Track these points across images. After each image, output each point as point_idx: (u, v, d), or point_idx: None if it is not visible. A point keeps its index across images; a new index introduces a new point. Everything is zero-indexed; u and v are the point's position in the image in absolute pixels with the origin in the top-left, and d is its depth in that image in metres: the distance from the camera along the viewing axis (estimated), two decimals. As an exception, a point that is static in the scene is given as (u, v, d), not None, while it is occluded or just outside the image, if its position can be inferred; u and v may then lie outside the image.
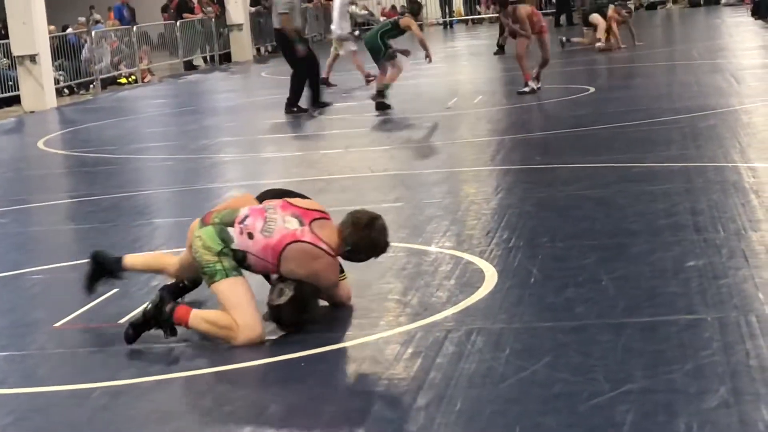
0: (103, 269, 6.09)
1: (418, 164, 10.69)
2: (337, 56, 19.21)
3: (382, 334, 5.34)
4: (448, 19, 39.03)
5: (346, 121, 14.42)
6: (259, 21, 30.52)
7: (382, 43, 14.68)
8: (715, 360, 4.61)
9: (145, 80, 24.72)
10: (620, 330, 5.11)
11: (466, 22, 39.78)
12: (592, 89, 15.17)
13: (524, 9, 15.38)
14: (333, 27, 19.33)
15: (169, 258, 6.08)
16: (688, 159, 9.27)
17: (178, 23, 26.71)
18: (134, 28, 25.47)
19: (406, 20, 14.82)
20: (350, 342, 5.33)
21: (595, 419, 4.13)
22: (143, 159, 12.74)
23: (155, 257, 6.32)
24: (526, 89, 15.01)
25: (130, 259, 6.14)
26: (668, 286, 5.77)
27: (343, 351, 5.24)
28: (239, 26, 28.71)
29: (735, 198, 7.70)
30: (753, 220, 7.00)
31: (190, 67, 27.25)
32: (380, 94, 14.57)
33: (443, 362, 4.87)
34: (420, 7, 16.34)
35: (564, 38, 22.84)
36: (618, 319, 5.26)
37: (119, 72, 24.47)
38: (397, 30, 14.79)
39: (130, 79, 24.55)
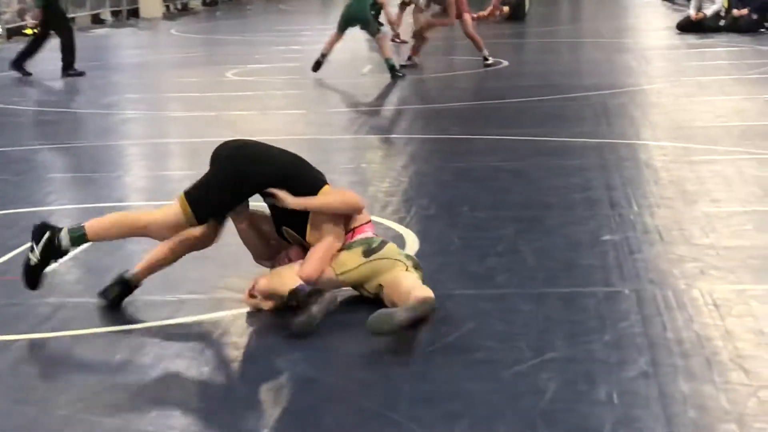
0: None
1: (335, 130, 10.70)
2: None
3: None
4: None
5: (262, 83, 14.34)
6: (169, -22, 30.19)
7: (372, 15, 14.63)
8: (634, 331, 4.73)
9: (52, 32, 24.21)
10: (540, 300, 5.21)
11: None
12: (505, 62, 15.30)
13: None
14: None
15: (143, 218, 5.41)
16: (601, 135, 9.43)
17: (86, -24, 26.28)
18: (42, -22, 24.91)
19: None
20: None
21: (518, 386, 4.21)
22: (49, 112, 12.54)
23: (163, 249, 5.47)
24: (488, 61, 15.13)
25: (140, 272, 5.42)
26: (585, 258, 5.88)
27: (242, 316, 5.25)
28: (149, -18, 28.36)
29: (647, 175, 7.88)
30: (665, 197, 7.16)
31: (97, 20, 26.83)
32: (393, 69, 14.24)
33: (364, 330, 4.91)
34: None
35: None
36: (538, 289, 5.36)
37: (24, 23, 23.96)
38: (377, 4, 14.72)
39: (35, 31, 24.04)
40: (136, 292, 5.36)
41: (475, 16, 20.08)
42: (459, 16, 15.18)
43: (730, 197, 7.09)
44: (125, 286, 5.32)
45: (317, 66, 14.49)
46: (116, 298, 5.30)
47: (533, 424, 3.87)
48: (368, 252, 5.13)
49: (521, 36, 20.21)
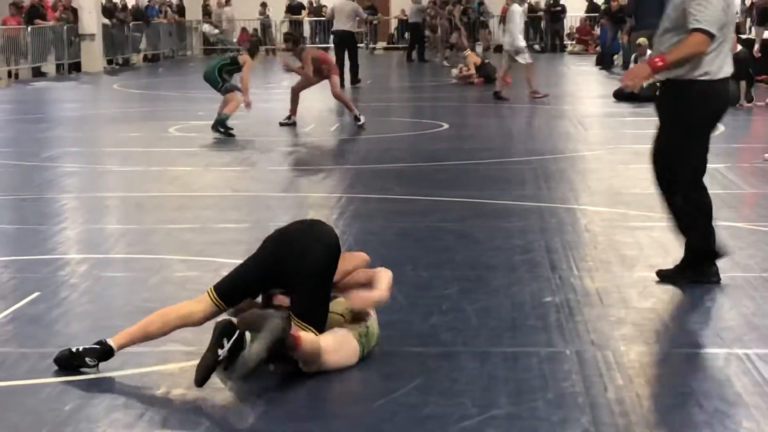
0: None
1: (278, 187, 10.79)
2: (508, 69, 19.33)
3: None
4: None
5: (205, 139, 14.38)
6: (111, 33, 30.21)
7: (219, 76, 14.71)
8: (575, 391, 4.85)
9: (-8, 84, 24.19)
10: (485, 358, 5.32)
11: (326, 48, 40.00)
12: (446, 125, 15.52)
13: (312, 51, 15.64)
14: (509, 39, 19.22)
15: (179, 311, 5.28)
16: (542, 199, 9.61)
17: (29, 28, 26.23)
18: (-17, 29, 24.91)
19: (244, 57, 14.92)
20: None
21: (463, 441, 4.31)
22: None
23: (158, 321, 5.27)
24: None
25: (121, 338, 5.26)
26: (528, 319, 6.01)
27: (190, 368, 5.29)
28: (91, 36, 28.35)
29: (587, 239, 8.06)
30: (604, 261, 7.33)
31: (38, 73, 26.78)
32: (221, 123, 14.46)
33: (316, 383, 4.99)
34: (257, 47, 16.56)
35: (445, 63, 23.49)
36: (482, 348, 5.47)
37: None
38: (236, 65, 14.84)
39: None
40: (81, 343, 5.36)
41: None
42: (327, 77, 15.35)
43: (667, 262, 7.24)
44: (107, 352, 5.17)
45: (223, 129, 14.59)
46: (96, 358, 5.15)
47: (479, 479, 3.96)
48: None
49: (461, 99, 20.49)
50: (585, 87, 23.25)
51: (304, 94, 15.68)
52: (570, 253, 7.57)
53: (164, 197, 10.11)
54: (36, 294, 6.57)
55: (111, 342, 5.16)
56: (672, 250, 7.54)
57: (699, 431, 4.39)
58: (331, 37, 23.53)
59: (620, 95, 18.99)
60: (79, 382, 5.04)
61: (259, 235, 8.15)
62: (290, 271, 5.12)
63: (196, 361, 5.18)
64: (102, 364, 5.21)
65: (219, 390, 4.90)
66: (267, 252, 5.28)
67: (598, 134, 14.93)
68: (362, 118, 15.18)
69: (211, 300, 5.18)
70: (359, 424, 4.50)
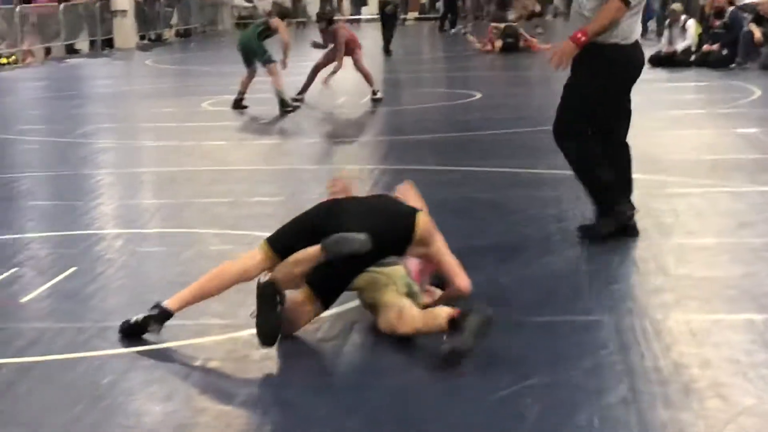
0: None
1: (311, 160, 10.77)
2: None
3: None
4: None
5: (236, 114, 14.40)
6: (143, 9, 30.24)
7: (259, 43, 14.46)
8: (613, 360, 4.81)
9: (26, 62, 24.29)
10: (520, 328, 5.29)
11: (351, 21, 39.93)
12: (478, 95, 15.44)
13: (343, 30, 15.30)
14: None
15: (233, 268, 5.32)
16: (577, 168, 9.52)
17: (61, 6, 26.30)
18: (17, 8, 24.99)
19: (275, 21, 14.71)
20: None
21: (500, 411, 4.28)
22: (27, 140, 12.56)
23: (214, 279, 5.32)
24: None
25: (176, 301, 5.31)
26: (563, 288, 5.98)
27: (226, 341, 5.30)
28: (123, 12, 28.41)
29: (623, 207, 7.97)
30: (641, 229, 7.25)
31: (72, 51, 26.87)
32: (284, 103, 14.20)
33: (349, 354, 4.99)
34: (287, 12, 16.35)
35: (464, 30, 23.33)
36: (518, 318, 5.44)
37: (-1, 52, 24.02)
38: (269, 30, 14.56)
39: (10, 60, 24.10)
40: (119, 317, 5.40)
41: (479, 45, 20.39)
42: (350, 53, 15.18)
43: (705, 229, 7.21)
44: (166, 316, 5.22)
45: (236, 104, 14.51)
46: (156, 324, 5.21)
47: (516, 449, 3.94)
48: (378, 264, 5.25)
49: (493, 69, 20.39)
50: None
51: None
52: (606, 221, 7.49)
53: (197, 172, 10.12)
54: (72, 269, 6.60)
55: (167, 305, 5.21)
56: (709, 217, 7.50)
57: (741, 399, 4.34)
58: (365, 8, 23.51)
59: (656, 61, 18.83)
60: (116, 356, 5.05)
61: (292, 208, 8.19)
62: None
63: (232, 334, 5.25)
64: (138, 339, 5.23)
65: (254, 362, 4.91)
66: (317, 213, 5.34)
67: (634, 100, 14.55)
68: (379, 93, 15.07)
69: (266, 254, 5.21)
70: (396, 395, 4.48)
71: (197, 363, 4.93)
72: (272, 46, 14.88)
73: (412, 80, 18.67)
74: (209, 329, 5.37)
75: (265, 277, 5.08)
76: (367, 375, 4.68)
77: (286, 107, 14.10)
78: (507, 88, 17.31)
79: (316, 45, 15.52)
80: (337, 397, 4.49)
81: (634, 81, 7.02)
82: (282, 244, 5.24)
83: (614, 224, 6.91)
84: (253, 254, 5.27)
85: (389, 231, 5.27)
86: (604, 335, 5.14)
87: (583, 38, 6.60)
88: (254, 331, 4.99)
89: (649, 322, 5.30)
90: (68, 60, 25.35)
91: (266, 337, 4.89)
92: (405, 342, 5.03)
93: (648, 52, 19.50)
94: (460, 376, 4.65)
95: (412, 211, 5.45)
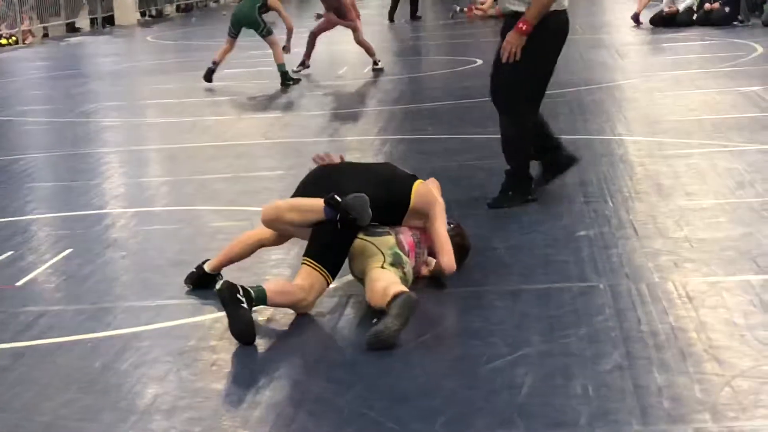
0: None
1: (311, 133, 10.73)
2: None
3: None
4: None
5: (238, 88, 14.37)
6: (143, -16, 30.15)
7: (260, 17, 14.40)
8: (609, 325, 4.78)
9: (27, 42, 24.24)
10: (516, 296, 5.26)
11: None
12: (479, 61, 15.35)
13: None
14: None
15: (257, 235, 5.61)
16: (576, 132, 9.48)
17: (60, -16, 26.21)
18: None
19: (273, 2, 14.66)
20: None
21: (495, 381, 4.25)
22: (26, 121, 12.54)
23: (240, 244, 5.67)
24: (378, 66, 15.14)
25: (214, 263, 5.65)
26: (560, 254, 5.94)
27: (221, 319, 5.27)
28: (123, -11, 28.33)
29: (622, 170, 7.95)
30: (640, 192, 7.22)
31: (72, 29, 26.80)
32: (286, 76, 14.20)
33: (342, 329, 4.97)
34: None
35: (457, 8, 23.16)
36: (514, 286, 5.41)
37: (-1, 33, 23.96)
38: (266, 5, 14.49)
39: (10, 40, 24.04)
40: (112, 299, 5.41)
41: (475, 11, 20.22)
42: (350, 22, 15.02)
43: (704, 190, 7.16)
44: (204, 276, 5.61)
45: (209, 75, 14.43)
46: (196, 284, 5.61)
47: (510, 419, 3.92)
48: (368, 232, 5.20)
49: (495, 35, 20.25)
50: (621, 15, 22.88)
51: (338, 37, 15.53)
52: (604, 184, 7.47)
53: (197, 148, 10.09)
54: (69, 250, 6.59)
55: (206, 266, 5.63)
56: (709, 178, 7.45)
57: (737, 362, 4.31)
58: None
59: (657, 21, 18.71)
60: (111, 338, 5.04)
61: (292, 182, 8.15)
62: None
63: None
64: (133, 319, 5.23)
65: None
66: (311, 176, 5.50)
67: (635, 63, 14.73)
68: (381, 63, 14.98)
69: None
70: (389, 370, 4.45)
71: (191, 343, 4.91)
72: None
73: (413, 48, 18.59)
74: (205, 308, 5.36)
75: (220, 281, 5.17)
76: (361, 350, 4.65)
77: (287, 80, 14.04)
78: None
79: (318, 16, 15.42)
80: (331, 374, 4.47)
81: (561, 48, 7.13)
82: None
83: (521, 199, 7.04)
84: None
85: (385, 195, 5.27)
86: (600, 301, 5.11)
87: (526, 28, 6.74)
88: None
89: (646, 287, 5.27)
90: (69, 39, 25.28)
91: (241, 336, 4.80)
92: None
93: (650, 12, 19.46)
94: (455, 348, 4.62)
95: (410, 179, 5.44)
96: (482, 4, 22.45)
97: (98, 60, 20.77)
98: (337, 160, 5.73)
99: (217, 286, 5.01)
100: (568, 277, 5.51)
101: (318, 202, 5.09)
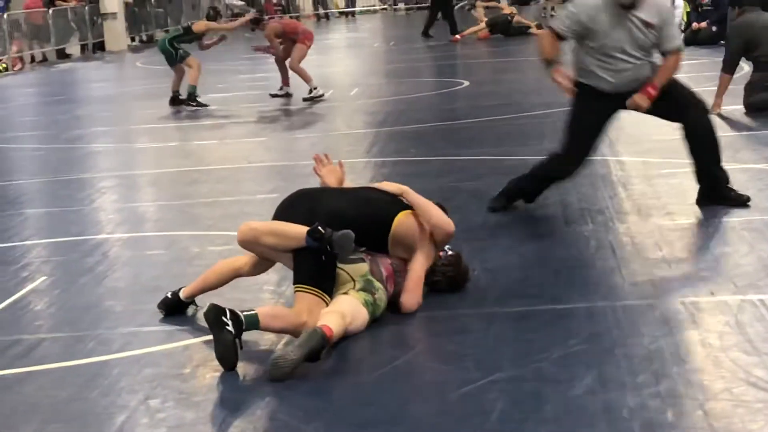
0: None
1: (294, 155, 10.69)
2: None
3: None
4: (322, 11, 39.16)
5: (221, 112, 14.35)
6: (134, 10, 30.15)
7: (171, 47, 15.05)
8: (583, 349, 4.73)
9: (16, 68, 24.22)
10: (491, 319, 5.20)
11: (346, 14, 39.86)
12: (466, 83, 15.35)
13: (273, 26, 15.02)
14: None
15: (233, 264, 5.57)
16: (560, 152, 9.42)
17: (50, 11, 26.21)
18: (5, 15, 24.90)
19: (200, 24, 15.07)
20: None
21: (464, 407, 4.20)
22: (14, 148, 12.50)
23: (215, 273, 5.61)
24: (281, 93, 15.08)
25: (189, 290, 5.61)
26: (538, 276, 5.89)
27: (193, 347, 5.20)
28: (113, 15, 28.32)
29: (603, 191, 7.90)
30: (620, 213, 7.18)
31: (63, 55, 26.79)
32: (191, 96, 14.78)
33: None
34: (217, 14, 16.42)
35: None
36: (489, 309, 5.36)
37: (-7, 58, 23.94)
38: (190, 35, 15.15)
39: (0, 67, 24.03)
40: (85, 327, 5.35)
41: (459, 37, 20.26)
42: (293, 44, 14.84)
43: (685, 210, 7.12)
44: (179, 303, 5.56)
45: (173, 101, 15.01)
46: (170, 311, 5.56)
47: (478, 446, 3.86)
48: (342, 260, 5.19)
49: (480, 56, 20.28)
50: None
51: (324, 60, 15.50)
52: (585, 205, 7.43)
53: (179, 173, 10.04)
54: (43, 278, 6.53)
55: (181, 293, 5.57)
56: (690, 198, 7.40)
57: (711, 384, 4.25)
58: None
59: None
60: (80, 366, 4.97)
61: (272, 205, 8.07)
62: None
63: (201, 338, 5.15)
64: (104, 348, 5.17)
65: (217, 368, 4.81)
66: (282, 204, 5.45)
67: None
68: (318, 92, 14.57)
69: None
70: (359, 393, 4.40)
71: (161, 371, 4.84)
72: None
73: (402, 70, 18.55)
74: (175, 336, 5.30)
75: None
76: (331, 376, 4.60)
77: (191, 101, 14.72)
78: (495, 75, 17.16)
79: (257, 48, 15.38)
80: (301, 401, 4.40)
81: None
82: None
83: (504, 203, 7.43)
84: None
85: (365, 218, 5.28)
86: (575, 324, 5.05)
87: (654, 93, 6.93)
88: (207, 338, 4.95)
89: (622, 309, 5.21)
90: (59, 65, 25.26)
91: (222, 360, 4.73)
92: (368, 341, 4.96)
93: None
94: (426, 373, 4.57)
95: (395, 206, 5.40)
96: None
97: (87, 86, 20.75)
98: (336, 165, 5.74)
99: (203, 310, 4.92)
100: (544, 300, 5.45)
101: (299, 231, 5.03)
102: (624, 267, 5.93)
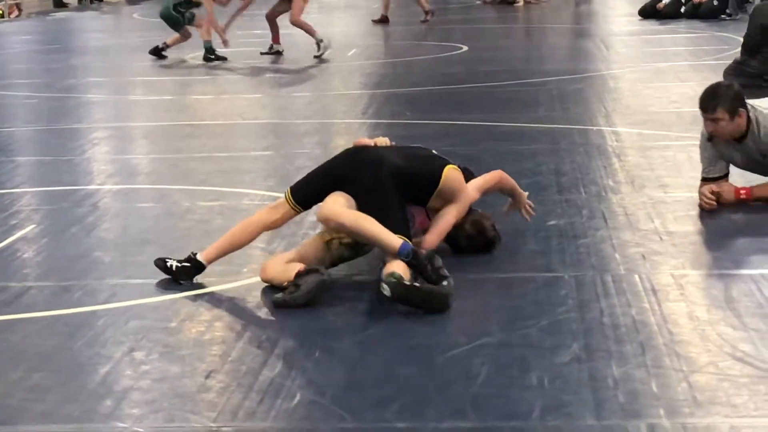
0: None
1: (289, 114, 10.65)
2: None
3: (243, 282, 5.33)
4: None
5: (219, 68, 14.27)
6: (133, -39, 29.91)
7: (177, 12, 14.84)
8: (570, 317, 4.72)
9: (12, 16, 24.05)
10: (479, 285, 5.19)
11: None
12: (465, 48, 15.28)
13: None
14: None
15: (263, 220, 5.39)
16: (555, 121, 9.42)
17: (48, -41, 26.02)
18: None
19: None
20: (213, 288, 5.29)
21: (450, 371, 4.19)
22: (7, 95, 12.43)
23: (243, 232, 5.40)
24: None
25: (211, 254, 5.37)
26: (528, 243, 5.88)
27: (205, 296, 5.20)
28: (112, -35, 28.12)
29: (598, 160, 7.87)
30: (614, 183, 7.16)
31: (60, 4, 26.60)
32: (209, 51, 14.58)
33: (302, 315, 4.88)
34: None
35: None
36: (478, 275, 5.34)
37: None
38: (191, 2, 14.88)
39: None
40: (72, 276, 5.33)
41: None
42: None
43: (679, 183, 7.09)
44: (197, 266, 5.30)
45: (155, 51, 14.97)
46: (188, 277, 5.30)
47: (462, 410, 3.85)
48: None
49: (481, 21, 20.18)
50: (610, 5, 22.82)
51: (323, 20, 15.41)
52: (579, 174, 7.40)
53: (173, 126, 10.00)
54: (32, 226, 6.50)
55: (201, 258, 5.29)
56: (684, 170, 7.39)
57: (697, 356, 4.25)
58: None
59: (645, 13, 18.64)
60: (65, 316, 4.96)
61: (265, 162, 8.08)
62: (357, 184, 5.20)
63: (189, 292, 5.14)
64: (91, 298, 5.16)
65: (203, 322, 4.81)
66: (340, 160, 5.41)
67: (620, 53, 14.64)
68: (322, 46, 14.51)
69: (289, 204, 5.30)
70: (344, 357, 4.39)
71: (147, 323, 4.83)
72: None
73: (401, 32, 18.45)
74: (163, 290, 5.28)
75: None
76: (316, 338, 4.58)
77: (210, 56, 14.50)
78: (495, 41, 17.08)
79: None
80: (286, 359, 4.39)
81: None
82: (303, 194, 5.31)
83: None
84: (277, 204, 5.36)
85: (418, 170, 5.37)
86: (563, 292, 5.04)
87: (745, 197, 6.41)
88: (194, 292, 5.07)
89: (611, 278, 5.20)
90: (55, 14, 25.10)
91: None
92: (355, 303, 4.95)
93: (639, 4, 19.39)
94: (413, 336, 4.56)
95: (444, 161, 5.50)
96: None
97: (83, 35, 20.63)
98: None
99: (390, 290, 4.77)
100: (533, 267, 5.44)
101: (392, 241, 4.98)
102: (615, 237, 5.92)
